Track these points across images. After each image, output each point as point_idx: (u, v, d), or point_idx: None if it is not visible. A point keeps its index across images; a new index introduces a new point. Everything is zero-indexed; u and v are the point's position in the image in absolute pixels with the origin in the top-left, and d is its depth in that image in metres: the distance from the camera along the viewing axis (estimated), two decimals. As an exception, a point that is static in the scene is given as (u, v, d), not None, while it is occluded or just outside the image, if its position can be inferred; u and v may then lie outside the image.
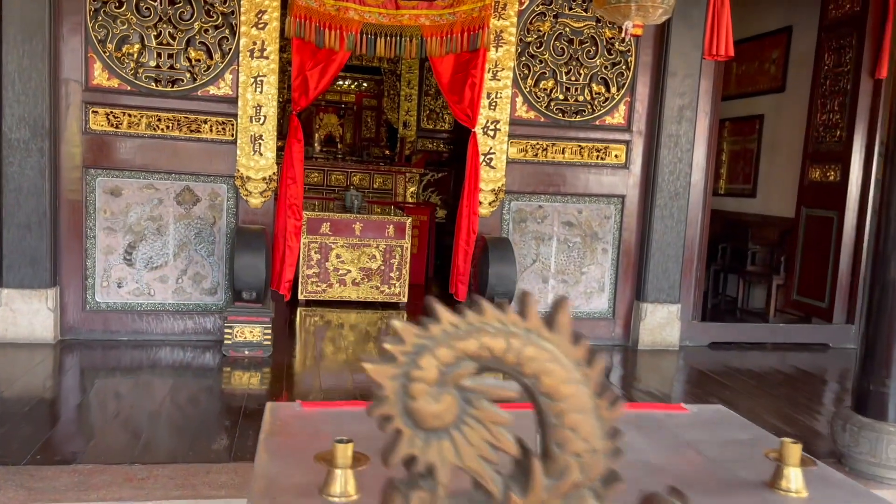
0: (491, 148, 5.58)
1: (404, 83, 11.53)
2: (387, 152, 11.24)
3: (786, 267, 7.06)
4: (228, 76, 5.21)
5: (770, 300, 7.13)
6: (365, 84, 12.44)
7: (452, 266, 5.66)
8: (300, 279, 6.90)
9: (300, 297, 6.88)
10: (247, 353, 5.02)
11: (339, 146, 12.23)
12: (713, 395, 4.84)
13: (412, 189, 10.62)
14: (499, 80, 5.52)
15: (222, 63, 5.19)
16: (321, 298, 6.98)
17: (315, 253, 6.95)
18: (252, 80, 5.17)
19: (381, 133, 12.55)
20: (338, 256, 6.98)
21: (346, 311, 6.91)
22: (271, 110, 5.22)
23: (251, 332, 5.03)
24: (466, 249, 5.52)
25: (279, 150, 5.37)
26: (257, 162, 5.24)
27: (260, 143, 5.23)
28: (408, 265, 7.16)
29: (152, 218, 5.25)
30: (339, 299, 7.02)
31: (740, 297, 7.75)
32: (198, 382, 4.69)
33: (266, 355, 5.05)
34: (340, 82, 12.35)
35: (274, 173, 5.29)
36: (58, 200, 5.06)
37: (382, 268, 7.06)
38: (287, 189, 5.32)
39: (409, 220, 7.16)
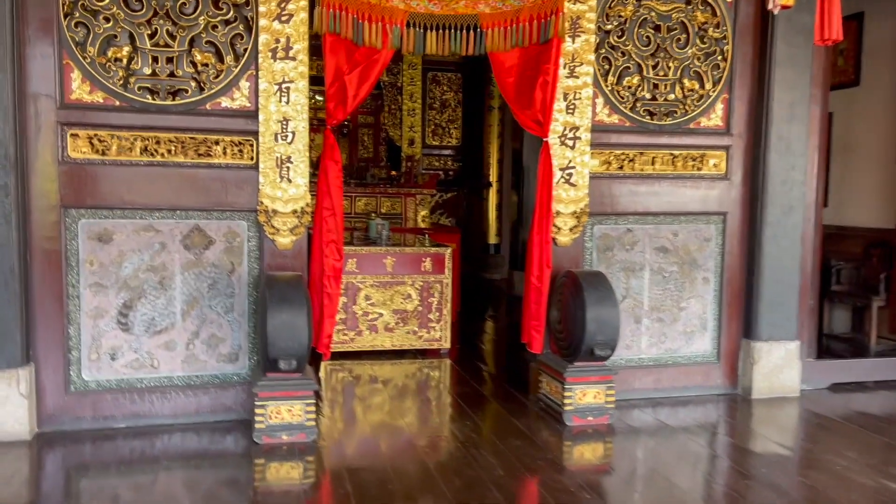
0: (570, 161, 4.53)
1: (406, 96, 10.49)
2: (392, 173, 10.15)
3: (887, 286, 6.10)
4: (245, 84, 4.09)
5: (868, 325, 6.15)
6: (360, 99, 11.32)
7: (524, 310, 4.57)
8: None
9: (325, 349, 5.72)
10: (285, 438, 3.87)
11: (335, 168, 11.03)
12: (869, 458, 3.82)
13: (423, 212, 9.55)
14: (577, 76, 4.48)
15: (236, 67, 4.07)
16: (349, 349, 5.85)
17: (341, 296, 5.80)
18: (276, 87, 4.06)
19: (380, 152, 11.45)
20: (367, 298, 5.87)
21: (378, 362, 5.79)
22: (301, 124, 4.11)
23: (290, 412, 3.88)
24: (539, 288, 4.44)
25: (312, 175, 4.26)
26: (286, 191, 4.12)
27: (288, 167, 4.11)
28: (449, 304, 6.07)
29: (153, 268, 4.08)
30: (370, 349, 5.90)
31: (825, 321, 6.77)
32: (219, 476, 3.56)
33: (310, 439, 3.90)
34: (334, 98, 11.23)
35: (307, 204, 4.18)
36: (29, 252, 3.88)
37: (420, 309, 5.96)
38: (324, 223, 4.20)
39: (448, 251, 6.08)
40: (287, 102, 4.08)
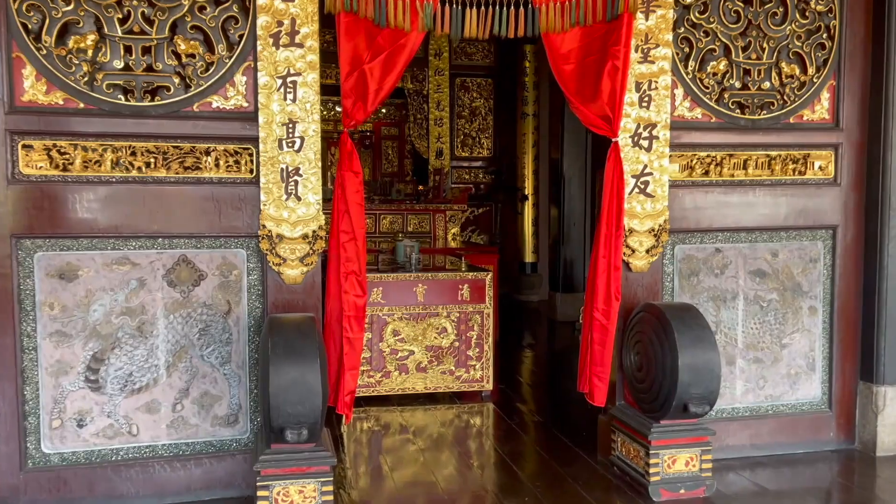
0: (646, 166, 3.65)
1: (433, 104, 9.67)
2: (420, 187, 9.33)
3: None
4: (241, 79, 3.28)
5: None
6: (384, 110, 10.55)
7: (583, 353, 3.68)
8: (345, 369, 4.90)
9: (347, 393, 4.87)
10: (296, 527, 3.01)
11: (357, 184, 10.23)
12: None
13: (454, 230, 8.70)
14: (652, 61, 3.61)
15: (230, 58, 3.26)
16: (375, 393, 4.99)
17: (364, 331, 4.95)
18: (279, 81, 3.24)
19: (405, 166, 10.65)
20: (395, 333, 5.01)
21: (409, 408, 4.94)
22: (312, 127, 3.29)
23: (301, 493, 3.01)
24: (605, 326, 3.55)
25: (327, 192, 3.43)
26: (293, 211, 3.29)
27: (296, 182, 3.28)
28: (491, 339, 5.19)
29: (130, 311, 3.26)
30: (399, 392, 5.03)
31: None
32: None
33: (328, 527, 3.05)
34: (354, 109, 10.46)
35: (321, 227, 3.34)
36: (-28, 294, 3.08)
37: (457, 345, 5.09)
38: (342, 249, 3.35)
39: (489, 277, 5.20)
40: (293, 100, 3.26)
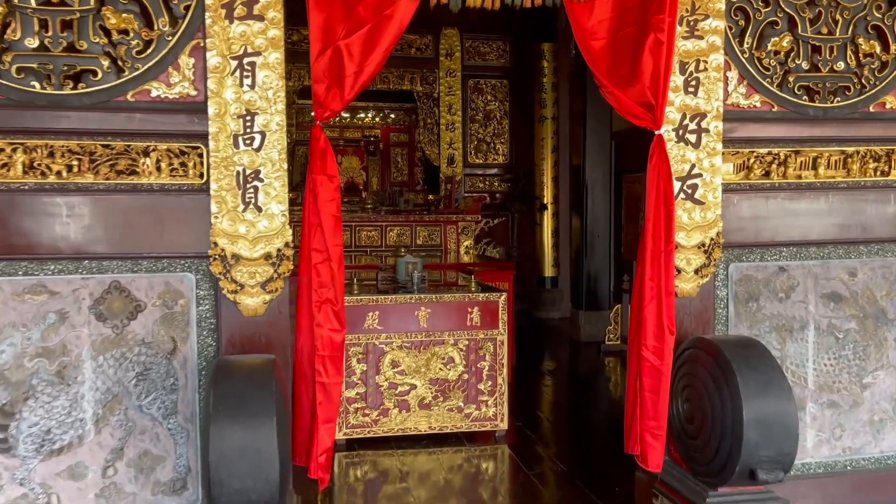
0: (693, 166, 2.94)
1: (444, 108, 9.02)
2: (430, 197, 8.68)
3: None
4: (187, 60, 2.62)
5: None
6: (392, 115, 9.95)
7: (631, 403, 2.95)
8: (337, 406, 4.23)
9: (338, 434, 4.22)
10: None
11: (364, 195, 9.69)
12: None
13: (466, 242, 8.03)
14: (700, 36, 2.91)
15: (174, 34, 2.61)
16: (371, 435, 4.30)
17: (358, 362, 4.28)
18: (233, 63, 2.58)
19: (415, 174, 10.02)
20: (394, 364, 4.32)
21: (411, 451, 4.25)
22: (275, 120, 2.63)
23: (257, 589, 2.32)
24: (658, 369, 2.81)
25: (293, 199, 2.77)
26: (253, 225, 2.62)
27: (256, 188, 2.62)
28: (505, 370, 4.48)
29: (47, 352, 2.60)
30: (399, 433, 4.34)
31: None
32: None
33: None
34: (362, 114, 9.88)
35: (287, 244, 2.67)
36: None
37: (465, 377, 4.39)
38: (315, 273, 2.66)
39: (502, 298, 4.50)
40: (252, 86, 2.60)
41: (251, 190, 2.61)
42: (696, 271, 2.96)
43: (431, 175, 9.29)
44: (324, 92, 2.62)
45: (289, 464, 2.34)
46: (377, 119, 9.95)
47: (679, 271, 2.94)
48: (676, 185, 2.90)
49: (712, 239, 2.96)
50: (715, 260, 2.98)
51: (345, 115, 9.77)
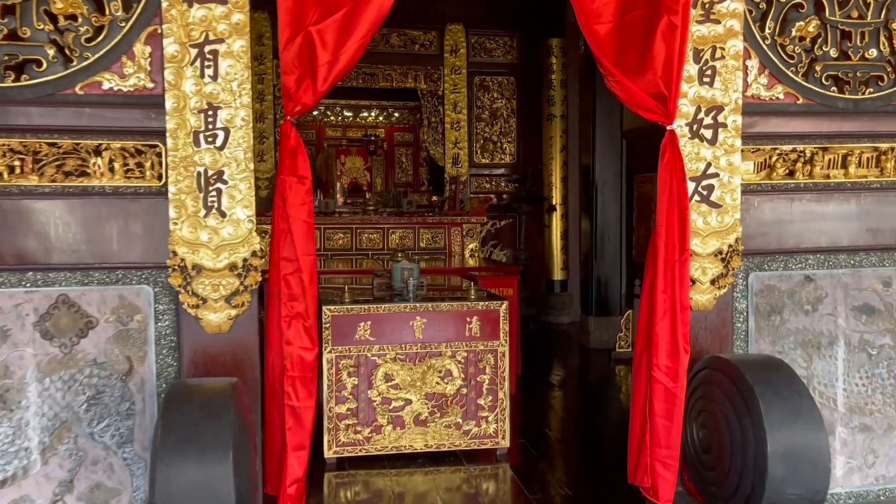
0: (709, 164, 2.65)
1: (449, 106, 8.75)
2: (433, 198, 8.41)
3: None
4: (143, 48, 2.36)
5: None
6: (396, 114, 9.69)
7: (635, 429, 2.66)
8: (326, 422, 4.01)
9: (327, 453, 3.95)
10: None
11: (368, 195, 9.45)
12: None
13: (472, 245, 7.76)
14: (717, 20, 2.62)
15: (127, 20, 2.35)
16: (363, 453, 4.01)
17: (349, 376, 4.00)
18: (193, 51, 2.31)
19: (419, 174, 9.76)
20: (387, 378, 4.03)
21: (406, 471, 3.95)
22: (241, 114, 2.36)
23: None
24: (672, 392, 2.51)
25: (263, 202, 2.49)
26: (216, 232, 2.35)
27: (219, 191, 2.35)
28: (507, 383, 4.18)
29: (-13, 373, 2.35)
30: (393, 451, 4.05)
31: None
32: None
33: None
34: (365, 113, 9.62)
35: (255, 253, 2.40)
36: None
37: (464, 391, 4.09)
38: (284, 284, 2.39)
39: (503, 306, 4.21)
40: (214, 77, 2.33)
41: (214, 193, 2.34)
42: (713, 282, 2.67)
43: (437, 175, 9.02)
44: (294, 84, 2.35)
45: (250, 500, 2.07)
46: (381, 118, 9.69)
47: (693, 282, 2.64)
48: (690, 186, 2.61)
49: (730, 246, 2.66)
50: (733, 269, 2.68)
51: (348, 113, 9.53)
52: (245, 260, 2.37)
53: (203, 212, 2.34)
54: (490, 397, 4.12)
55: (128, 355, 2.41)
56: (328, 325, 3.94)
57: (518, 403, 4.51)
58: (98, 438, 2.40)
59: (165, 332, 2.43)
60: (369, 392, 4.02)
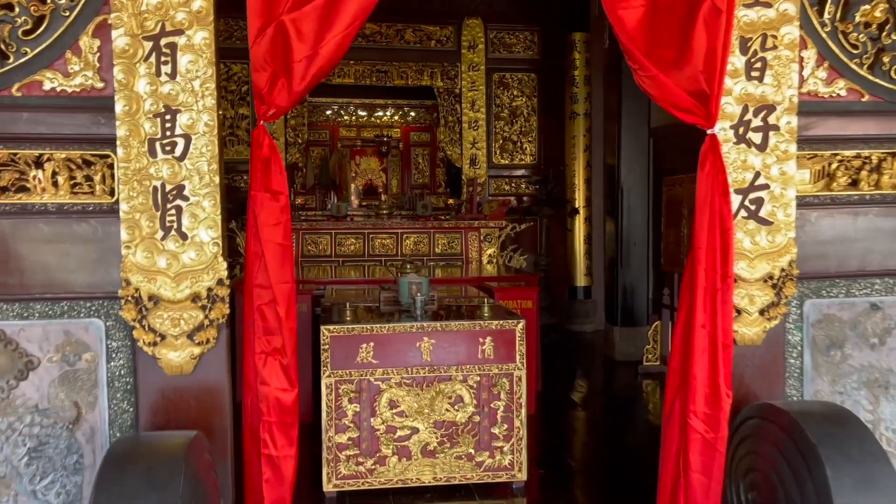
0: (758, 174, 2.24)
1: (466, 104, 8.39)
2: (450, 201, 8.04)
3: None
4: (90, 42, 2.02)
5: None
6: (413, 113, 9.32)
7: (665, 486, 2.26)
8: (325, 452, 3.67)
9: (326, 486, 3.61)
10: None
11: (384, 198, 9.10)
12: None
13: (490, 250, 7.39)
14: (768, 4, 2.21)
15: (72, 8, 2.01)
16: (366, 487, 3.65)
17: (350, 402, 3.64)
18: (147, 45, 1.97)
19: (436, 176, 9.39)
20: (392, 405, 3.66)
21: (415, 507, 3.60)
22: (205, 118, 2.00)
23: None
24: (712, 443, 2.11)
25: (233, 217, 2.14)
26: (175, 257, 2.00)
27: (179, 209, 2.00)
28: (524, 410, 3.80)
29: None
30: (399, 485, 3.69)
31: None
32: None
33: None
34: (380, 112, 9.27)
35: (222, 281, 2.04)
36: None
37: (477, 419, 3.71)
38: (259, 316, 2.04)
39: (520, 325, 3.83)
40: (172, 75, 1.98)
41: (173, 211, 1.99)
42: (762, 312, 2.27)
43: (454, 177, 8.65)
44: (266, 83, 1.99)
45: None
46: (396, 117, 9.33)
47: (739, 312, 2.24)
48: (736, 200, 2.21)
49: (783, 270, 2.26)
50: (786, 297, 2.27)
51: (362, 113, 9.19)
52: (210, 290, 2.02)
53: (160, 233, 1.99)
54: (505, 425, 3.74)
55: (75, 400, 2.07)
56: (326, 346, 3.59)
57: (537, 425, 4.12)
58: (41, 496, 2.07)
59: (119, 374, 2.09)
60: (372, 420, 3.66)
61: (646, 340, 6.15)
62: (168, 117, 1.98)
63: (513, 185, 8.51)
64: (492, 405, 3.73)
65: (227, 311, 2.05)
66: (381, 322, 3.77)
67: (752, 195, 2.24)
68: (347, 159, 9.23)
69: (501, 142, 8.58)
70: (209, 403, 2.06)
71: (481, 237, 7.44)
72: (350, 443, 3.65)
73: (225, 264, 2.03)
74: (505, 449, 3.74)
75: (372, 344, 3.64)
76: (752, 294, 2.25)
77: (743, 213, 2.23)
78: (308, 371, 4.30)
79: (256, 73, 1.99)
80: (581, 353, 7.14)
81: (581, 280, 8.20)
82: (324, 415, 3.60)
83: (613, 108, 6.75)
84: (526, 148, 8.71)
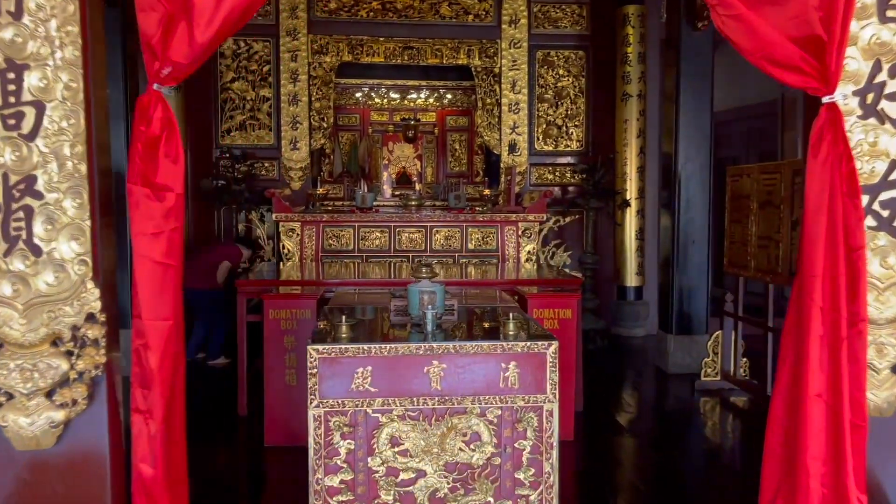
0: (894, 163, 1.50)
1: (506, 85, 7.75)
2: (486, 192, 7.39)
3: None
4: None
5: None
6: (449, 95, 8.68)
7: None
8: (312, 497, 3.03)
9: (315, 538, 2.96)
10: None
11: (418, 187, 8.52)
12: None
13: (529, 247, 6.73)
14: None
15: None
16: (363, 539, 3.01)
17: (343, 438, 2.99)
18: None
19: (474, 164, 8.76)
20: (394, 442, 3.01)
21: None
22: (64, 79, 1.36)
23: None
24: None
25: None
26: (27, 282, 1.37)
27: (30, 212, 1.37)
28: (555, 452, 3.10)
29: None
30: (403, 537, 3.04)
31: None
32: None
33: None
34: (414, 95, 8.65)
35: (93, 315, 1.40)
36: None
37: (497, 461, 3.03)
38: (136, 359, 1.39)
39: (552, 348, 3.12)
40: (17, 14, 1.34)
41: (20, 214, 1.36)
42: (894, 368, 1.53)
43: (494, 165, 8.02)
44: (157, 28, 1.34)
45: None
46: (432, 100, 8.70)
47: (875, 373, 1.51)
48: (862, 201, 1.48)
49: (932, 304, 1.52)
50: (936, 344, 1.54)
51: (394, 95, 8.58)
52: (76, 328, 1.39)
53: (3, 246, 1.36)
54: (532, 469, 3.04)
55: None
56: (314, 370, 2.93)
57: (574, 459, 3.43)
58: None
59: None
60: (370, 460, 3.01)
61: (704, 352, 5.46)
62: (11, 76, 1.34)
63: (557, 174, 7.82)
64: (516, 445, 3.03)
65: (103, 360, 1.41)
66: (380, 342, 3.12)
67: (885, 195, 1.50)
68: (379, 145, 8.65)
69: (545, 126, 7.90)
70: (83, 489, 1.44)
71: (519, 231, 6.79)
72: (343, 487, 3.00)
73: (97, 292, 1.39)
74: (532, 498, 3.04)
75: (370, 368, 2.97)
76: (880, 342, 1.52)
77: (870, 220, 1.50)
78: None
79: (143, 14, 1.34)
80: (629, 363, 6.41)
81: (631, 280, 7.55)
82: (311, 452, 2.97)
83: (672, 89, 6.12)
84: (572, 133, 8.04)
